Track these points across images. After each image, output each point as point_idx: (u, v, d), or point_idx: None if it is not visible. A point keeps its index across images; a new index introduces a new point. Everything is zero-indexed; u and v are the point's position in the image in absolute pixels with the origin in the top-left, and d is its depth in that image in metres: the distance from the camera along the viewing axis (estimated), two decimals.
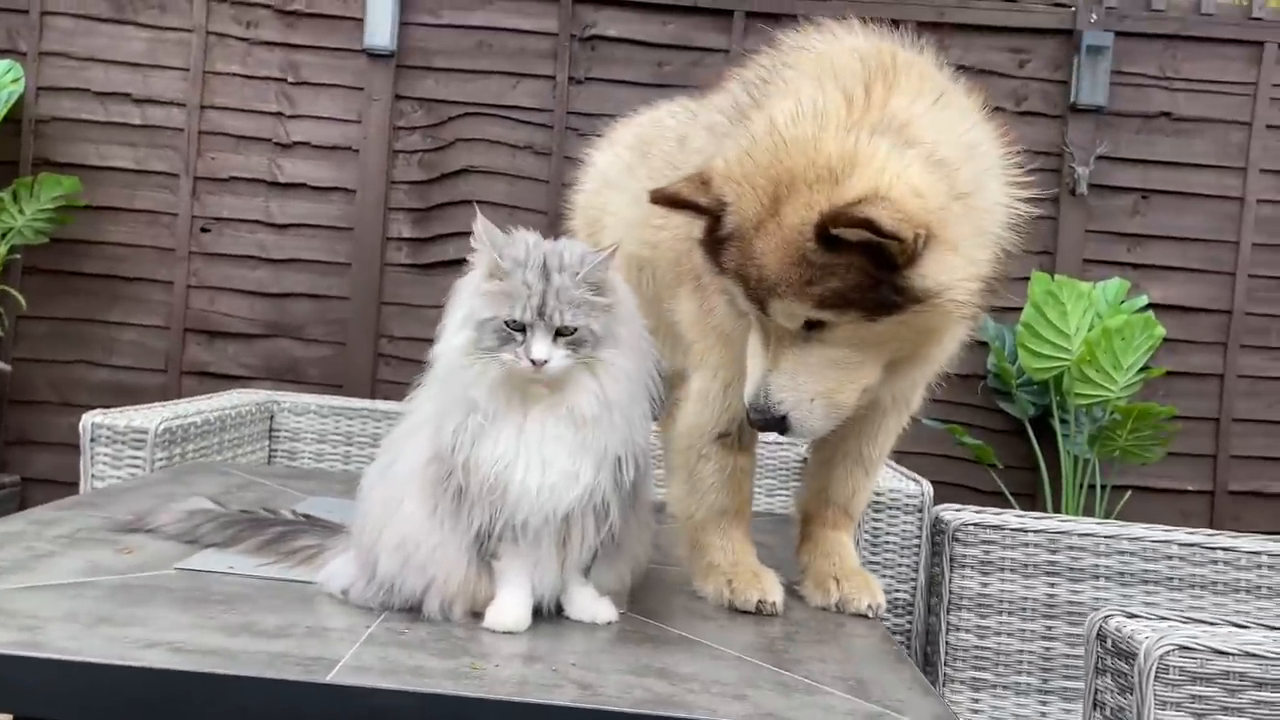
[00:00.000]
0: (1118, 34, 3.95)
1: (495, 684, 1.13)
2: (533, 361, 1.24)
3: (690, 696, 1.15)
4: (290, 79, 4.10)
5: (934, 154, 1.28)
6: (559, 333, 1.26)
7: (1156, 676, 1.23)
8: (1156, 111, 4.01)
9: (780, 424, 1.33)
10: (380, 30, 4.00)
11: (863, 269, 1.24)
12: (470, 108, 4.08)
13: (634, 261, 1.89)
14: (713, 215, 1.34)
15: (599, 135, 2.22)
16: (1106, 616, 1.37)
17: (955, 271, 1.27)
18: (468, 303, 1.30)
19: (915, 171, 1.26)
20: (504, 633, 1.30)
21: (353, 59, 4.08)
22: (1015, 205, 1.41)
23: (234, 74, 4.10)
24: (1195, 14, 4.02)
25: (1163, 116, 4.02)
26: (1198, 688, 1.23)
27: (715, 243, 1.35)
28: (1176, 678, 1.23)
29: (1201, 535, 2.13)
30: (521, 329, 1.25)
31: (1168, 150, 4.02)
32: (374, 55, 4.05)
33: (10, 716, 1.27)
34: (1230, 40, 4.01)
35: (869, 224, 1.18)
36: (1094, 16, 3.96)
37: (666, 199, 1.38)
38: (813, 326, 1.31)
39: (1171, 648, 1.23)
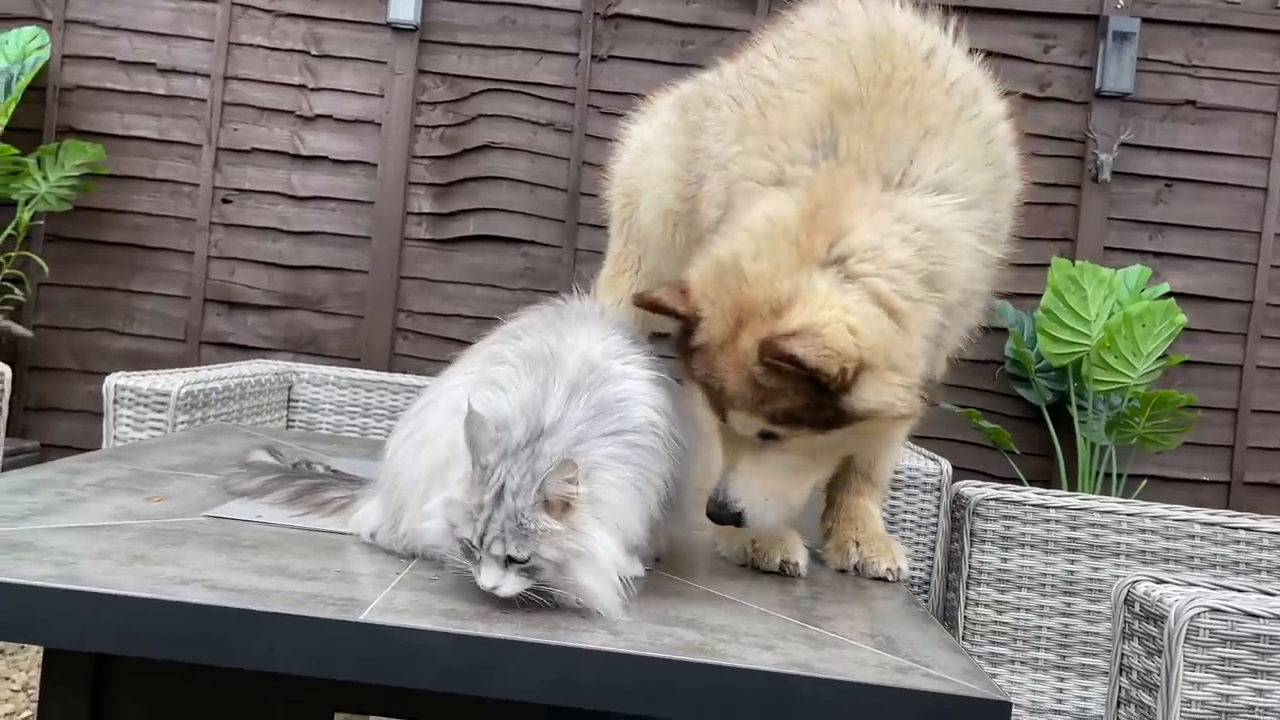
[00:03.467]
0: (1144, 20, 3.93)
1: (527, 626, 1.14)
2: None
3: (720, 645, 1.16)
4: (314, 51, 4.10)
5: (879, 287, 1.35)
6: (510, 559, 1.16)
7: (1186, 638, 1.23)
8: (1182, 99, 3.99)
9: (736, 519, 1.44)
10: (404, 4, 4.00)
11: (806, 393, 1.33)
12: (493, 84, 4.08)
13: (670, 217, 1.91)
14: (687, 323, 1.44)
15: (635, 110, 2.22)
16: (1134, 581, 1.37)
17: (894, 390, 1.35)
18: (450, 493, 1.21)
19: (853, 308, 1.34)
20: None
21: (376, 33, 4.09)
22: (1006, 253, 1.52)
23: (258, 45, 4.11)
24: (1222, 2, 3.99)
25: (1188, 104, 3.99)
26: (1228, 650, 1.23)
27: (687, 349, 1.45)
28: (1206, 639, 1.23)
29: (1223, 515, 2.13)
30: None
31: (1192, 138, 4.00)
32: (398, 29, 4.05)
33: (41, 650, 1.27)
34: (1257, 30, 3.98)
35: (792, 359, 1.28)
36: (1120, 2, 3.94)
37: (649, 304, 1.46)
38: (767, 436, 1.41)
39: (1203, 609, 1.23)
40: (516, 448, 1.19)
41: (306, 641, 1.10)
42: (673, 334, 1.51)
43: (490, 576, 1.16)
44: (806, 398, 1.33)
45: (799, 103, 1.48)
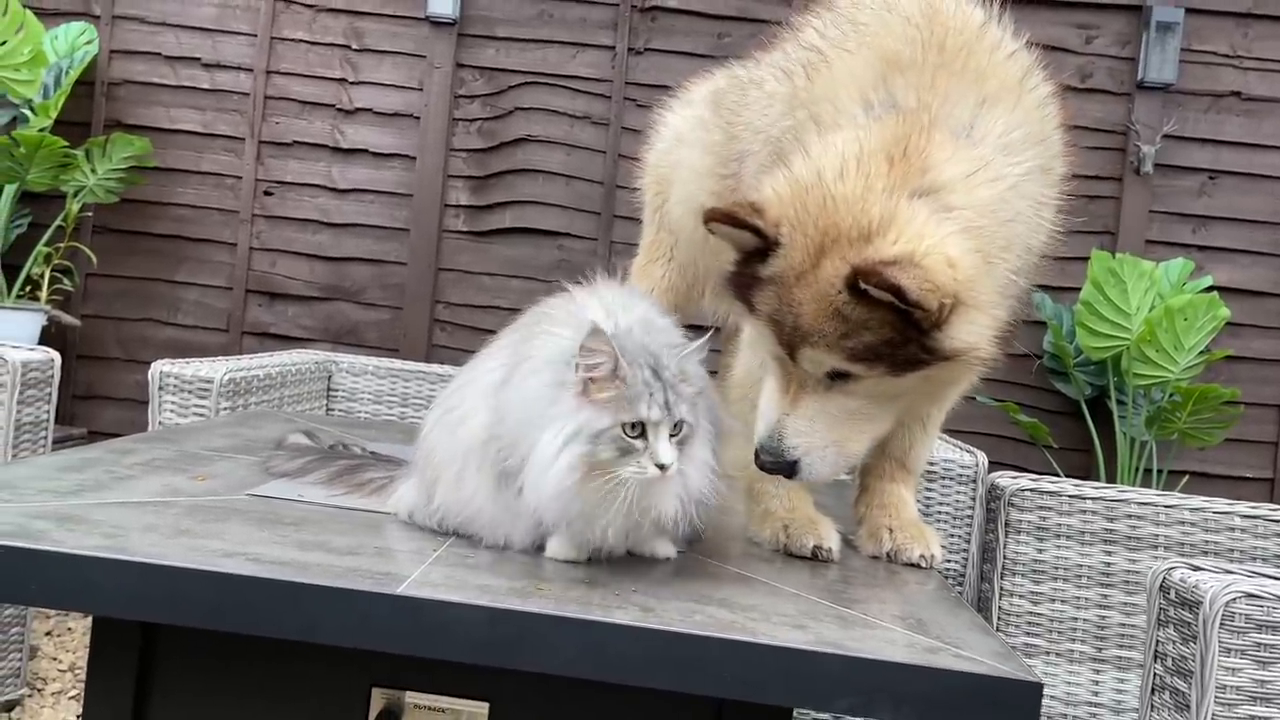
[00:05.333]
0: (1188, 10, 3.88)
1: (560, 602, 1.15)
2: (661, 466, 1.21)
3: (751, 624, 1.17)
4: (354, 45, 4.16)
5: (971, 223, 1.30)
6: (672, 432, 1.22)
7: (1221, 624, 1.23)
8: (1226, 90, 3.93)
9: (790, 468, 1.36)
10: None
11: (894, 326, 1.26)
12: (530, 77, 4.11)
13: (701, 213, 1.90)
14: (760, 251, 1.34)
15: (672, 96, 2.23)
16: (1170, 568, 1.36)
17: (981, 331, 1.29)
18: (572, 418, 1.22)
19: (952, 241, 1.28)
20: (565, 561, 1.32)
21: (415, 26, 4.13)
22: (1053, 232, 1.46)
23: (299, 40, 4.17)
24: None
25: (1233, 96, 3.93)
26: (1263, 635, 1.22)
27: (750, 280, 1.36)
28: (1241, 625, 1.22)
29: (1265, 508, 2.10)
30: (640, 434, 1.21)
31: (1237, 130, 3.94)
32: (436, 23, 4.09)
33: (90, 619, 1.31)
34: None
35: (896, 289, 1.20)
36: None
37: (724, 216, 1.33)
38: (836, 376, 1.33)
39: (1238, 595, 1.22)
40: (629, 332, 1.27)
41: (345, 613, 1.13)
42: (726, 270, 1.41)
43: (667, 452, 1.21)
44: (893, 332, 1.26)
45: (847, 65, 1.44)
